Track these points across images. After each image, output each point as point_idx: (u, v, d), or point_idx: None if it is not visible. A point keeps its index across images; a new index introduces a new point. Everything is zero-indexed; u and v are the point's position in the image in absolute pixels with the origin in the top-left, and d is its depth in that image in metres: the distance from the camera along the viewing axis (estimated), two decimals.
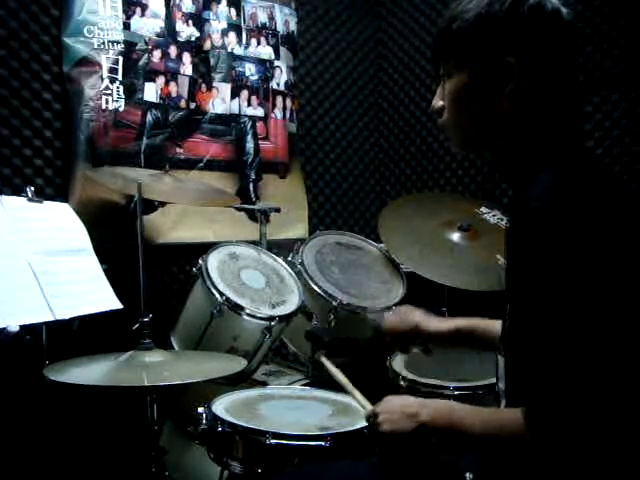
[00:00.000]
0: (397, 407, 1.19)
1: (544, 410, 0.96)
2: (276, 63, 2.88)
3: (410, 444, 1.16)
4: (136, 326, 1.81)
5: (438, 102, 1.21)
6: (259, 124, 2.83)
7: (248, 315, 1.97)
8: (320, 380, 2.04)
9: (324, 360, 1.60)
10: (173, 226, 2.59)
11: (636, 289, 0.98)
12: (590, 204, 0.99)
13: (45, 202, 1.92)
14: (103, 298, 1.84)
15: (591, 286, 0.94)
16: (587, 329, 0.94)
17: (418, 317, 1.52)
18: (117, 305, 1.85)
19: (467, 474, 1.21)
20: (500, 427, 1.03)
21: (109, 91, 2.39)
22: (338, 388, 1.63)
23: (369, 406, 1.33)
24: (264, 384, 2.11)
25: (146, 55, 2.49)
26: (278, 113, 2.89)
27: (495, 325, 1.37)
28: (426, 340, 1.54)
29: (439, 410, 1.14)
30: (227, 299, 1.96)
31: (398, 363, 2.06)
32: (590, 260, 0.95)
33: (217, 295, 1.96)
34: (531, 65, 1.08)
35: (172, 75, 2.57)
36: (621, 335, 0.95)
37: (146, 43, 2.49)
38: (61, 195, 2.31)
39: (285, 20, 2.93)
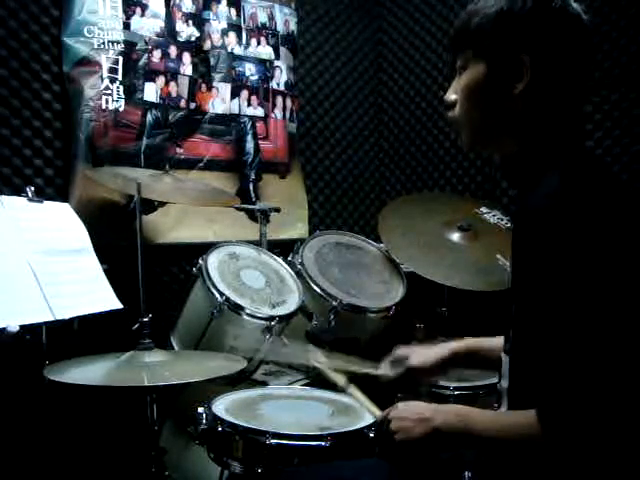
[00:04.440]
0: (409, 413, 1.17)
1: (557, 411, 0.96)
2: (276, 63, 2.88)
3: (424, 450, 1.15)
4: (136, 326, 1.81)
5: (451, 96, 1.21)
6: (259, 124, 2.83)
7: (248, 315, 1.97)
8: (320, 380, 2.04)
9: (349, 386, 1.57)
10: (173, 226, 2.59)
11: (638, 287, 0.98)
12: (594, 206, 0.99)
13: (45, 202, 1.92)
14: (103, 298, 1.84)
15: (597, 286, 0.95)
16: (595, 328, 0.94)
17: (413, 358, 1.49)
18: (117, 305, 1.85)
19: (466, 472, 1.21)
20: (514, 429, 1.03)
21: (109, 91, 2.39)
22: (338, 388, 1.63)
23: (379, 413, 1.32)
24: (264, 384, 2.11)
25: (146, 55, 2.48)
26: (278, 113, 2.89)
27: (491, 342, 1.37)
28: (426, 375, 1.52)
29: (452, 413, 1.13)
30: (227, 299, 1.95)
31: None
32: (595, 261, 0.95)
33: (217, 295, 1.96)
34: (545, 67, 1.09)
35: (172, 75, 2.57)
36: (627, 334, 0.95)
37: (146, 43, 2.49)
38: (61, 195, 2.31)
39: (285, 20, 2.93)
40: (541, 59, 1.08)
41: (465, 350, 1.45)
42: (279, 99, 2.89)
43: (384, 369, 1.54)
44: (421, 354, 1.49)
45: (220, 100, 2.71)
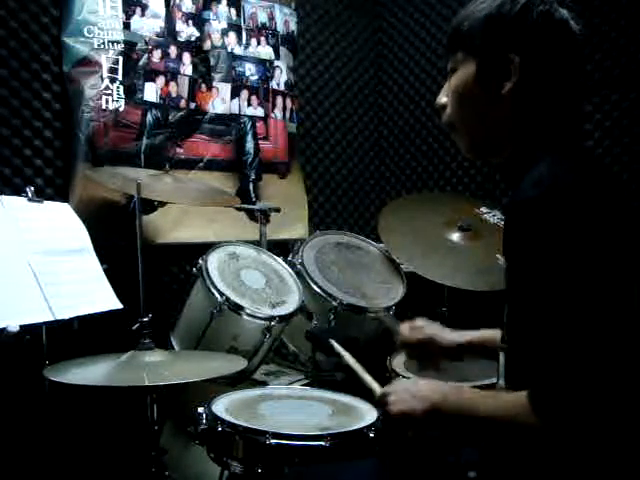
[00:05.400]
0: (408, 389, 1.18)
1: (548, 392, 0.97)
2: (276, 63, 2.88)
3: (420, 426, 1.15)
4: (136, 326, 1.81)
5: (442, 98, 1.24)
6: (259, 124, 2.83)
7: (248, 315, 1.98)
8: (320, 380, 2.04)
9: (334, 344, 1.59)
10: (173, 226, 2.59)
11: (627, 276, 1.00)
12: (580, 195, 1.00)
13: (45, 202, 1.92)
14: (103, 298, 1.84)
15: (586, 272, 0.96)
16: (584, 314, 0.95)
17: (433, 330, 1.51)
18: (117, 305, 1.85)
19: (470, 472, 1.21)
20: (506, 409, 1.03)
21: (109, 91, 2.39)
22: (338, 388, 1.63)
23: (379, 389, 1.33)
24: (264, 384, 2.11)
25: (146, 55, 2.48)
26: (278, 113, 2.89)
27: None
28: (440, 353, 1.52)
29: (450, 391, 1.14)
30: (227, 299, 1.96)
31: (398, 363, 2.06)
32: (581, 249, 0.96)
33: (217, 295, 1.96)
34: (534, 67, 1.11)
35: (172, 75, 2.57)
36: (616, 320, 0.97)
37: (146, 43, 2.48)
38: (61, 195, 2.31)
39: (285, 20, 2.93)
40: (529, 60, 1.11)
41: (481, 341, 1.45)
42: (279, 99, 2.89)
43: (404, 331, 1.54)
44: (442, 332, 1.51)
45: (220, 100, 2.71)
